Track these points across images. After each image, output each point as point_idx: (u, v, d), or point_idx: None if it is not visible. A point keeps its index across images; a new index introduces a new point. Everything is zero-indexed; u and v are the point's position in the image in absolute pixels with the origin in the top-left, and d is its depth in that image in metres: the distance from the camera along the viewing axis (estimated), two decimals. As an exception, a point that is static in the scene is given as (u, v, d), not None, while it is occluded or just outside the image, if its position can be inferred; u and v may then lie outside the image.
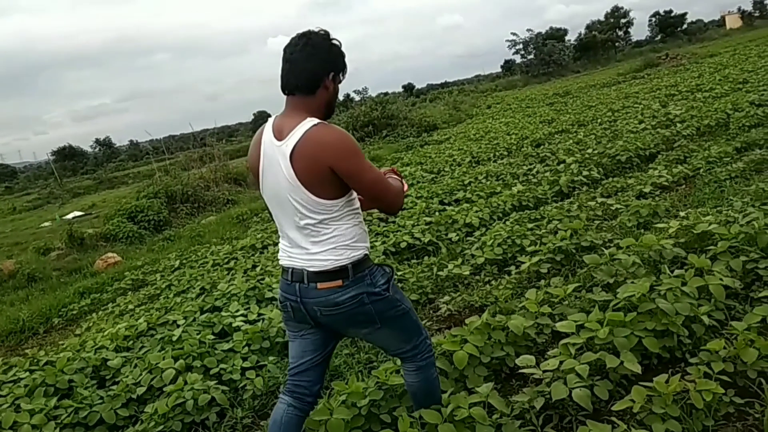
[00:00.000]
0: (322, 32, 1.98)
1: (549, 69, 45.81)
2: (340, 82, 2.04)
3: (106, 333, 4.40)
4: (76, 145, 52.95)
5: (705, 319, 2.80)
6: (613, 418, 2.25)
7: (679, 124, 8.61)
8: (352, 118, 20.90)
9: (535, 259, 4.12)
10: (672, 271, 3.26)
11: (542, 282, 3.92)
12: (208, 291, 5.16)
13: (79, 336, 5.16)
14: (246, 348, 3.66)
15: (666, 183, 5.78)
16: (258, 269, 5.58)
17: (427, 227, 5.67)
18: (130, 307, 5.61)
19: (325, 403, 2.57)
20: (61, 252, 9.05)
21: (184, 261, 7.05)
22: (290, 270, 2.05)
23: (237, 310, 4.29)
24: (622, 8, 57.34)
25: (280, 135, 1.94)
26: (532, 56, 48.99)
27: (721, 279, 3.04)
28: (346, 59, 2.04)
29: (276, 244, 6.53)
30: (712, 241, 3.65)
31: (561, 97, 22.63)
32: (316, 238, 1.98)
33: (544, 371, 2.63)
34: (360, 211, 2.08)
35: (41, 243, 9.35)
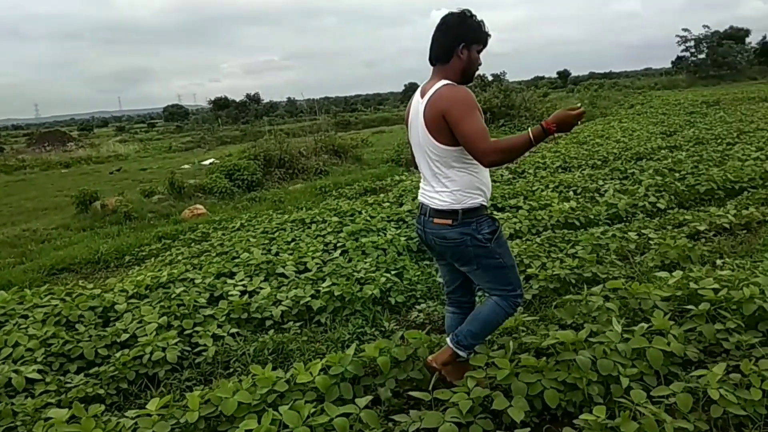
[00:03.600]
0: (459, 11, 2.46)
1: (721, 72, 41.50)
2: (479, 51, 2.50)
3: (134, 279, 4.98)
4: (231, 97, 57.71)
5: (624, 381, 2.64)
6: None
7: (795, 159, 7.63)
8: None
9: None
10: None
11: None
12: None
13: (127, 276, 5.84)
14: (224, 317, 4.00)
15: (727, 225, 5.24)
16: (293, 244, 5.91)
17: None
18: (180, 258, 6.22)
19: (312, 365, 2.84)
20: (162, 197, 10.10)
21: (245, 223, 7.61)
22: (421, 205, 2.63)
23: (241, 280, 4.65)
24: None
25: (423, 94, 2.48)
26: (703, 56, 44.53)
27: (668, 344, 2.84)
28: (485, 31, 2.48)
29: (323, 221, 6.85)
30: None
31: (708, 106, 20.59)
32: (441, 179, 2.48)
33: (435, 398, 2.65)
34: (480, 165, 2.46)
35: (147, 186, 10.48)
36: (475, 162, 2.43)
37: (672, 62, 51.51)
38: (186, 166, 18.53)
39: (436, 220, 2.51)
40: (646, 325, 2.99)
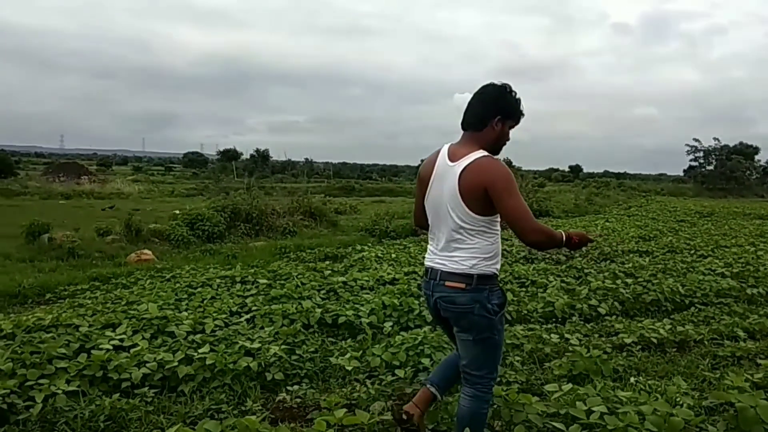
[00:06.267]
0: (501, 84, 2.48)
1: (729, 185, 41.16)
2: (511, 127, 2.53)
3: (16, 319, 4.68)
4: (239, 150, 59.10)
5: None
6: None
7: (753, 279, 7.33)
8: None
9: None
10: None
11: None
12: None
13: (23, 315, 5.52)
14: (77, 372, 3.67)
15: (656, 340, 4.90)
16: (207, 301, 5.62)
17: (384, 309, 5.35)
18: (90, 303, 5.91)
19: None
20: (116, 238, 9.88)
21: (181, 274, 7.33)
22: (430, 269, 2.55)
23: (122, 333, 4.34)
24: None
25: (453, 158, 2.44)
26: (711, 167, 44.80)
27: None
28: (521, 109, 2.53)
29: (253, 282, 6.57)
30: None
31: (701, 216, 20.43)
32: (460, 245, 2.43)
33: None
34: (499, 234, 2.50)
35: (103, 225, 10.28)
36: (496, 232, 2.47)
37: (684, 170, 51.79)
38: (177, 212, 18.44)
39: (448, 283, 2.45)
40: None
